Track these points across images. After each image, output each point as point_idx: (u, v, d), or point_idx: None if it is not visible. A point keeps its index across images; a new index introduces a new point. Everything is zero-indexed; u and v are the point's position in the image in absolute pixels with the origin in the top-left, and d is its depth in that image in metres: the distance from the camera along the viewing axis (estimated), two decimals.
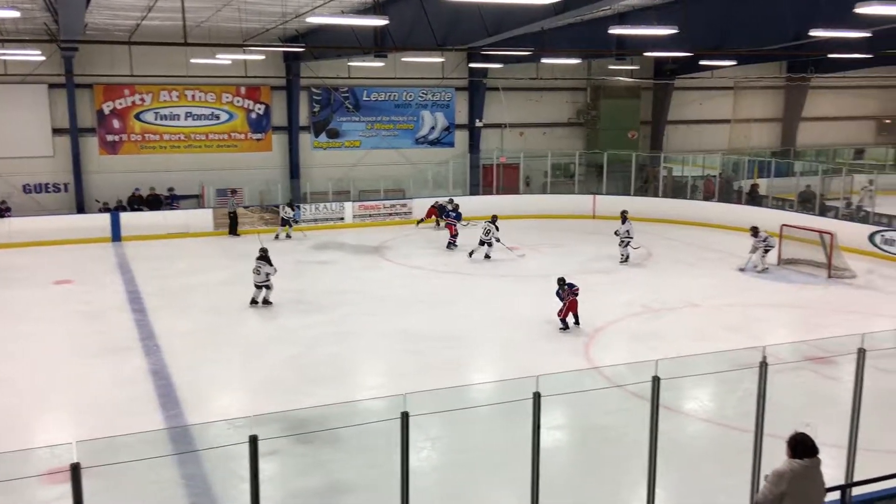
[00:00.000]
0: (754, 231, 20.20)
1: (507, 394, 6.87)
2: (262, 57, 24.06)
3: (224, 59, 23.12)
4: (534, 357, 13.61)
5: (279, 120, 27.87)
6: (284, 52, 25.99)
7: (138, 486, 8.74)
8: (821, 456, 5.79)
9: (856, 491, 6.90)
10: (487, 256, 21.33)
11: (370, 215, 27.18)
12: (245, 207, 25.92)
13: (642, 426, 6.60)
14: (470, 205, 27.84)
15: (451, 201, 25.54)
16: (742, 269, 19.94)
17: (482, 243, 21.29)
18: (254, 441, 5.52)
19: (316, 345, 14.59)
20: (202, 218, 25.39)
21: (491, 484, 9.53)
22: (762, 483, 5.99)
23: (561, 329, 15.02)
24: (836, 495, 6.66)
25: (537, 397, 6.11)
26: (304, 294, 18.08)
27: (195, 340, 14.89)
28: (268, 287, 17.06)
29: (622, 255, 20.92)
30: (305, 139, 28.34)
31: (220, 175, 26.58)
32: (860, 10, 10.73)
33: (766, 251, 20.11)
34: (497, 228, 21.18)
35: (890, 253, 21.20)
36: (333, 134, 28.75)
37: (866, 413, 7.17)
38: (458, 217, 23.43)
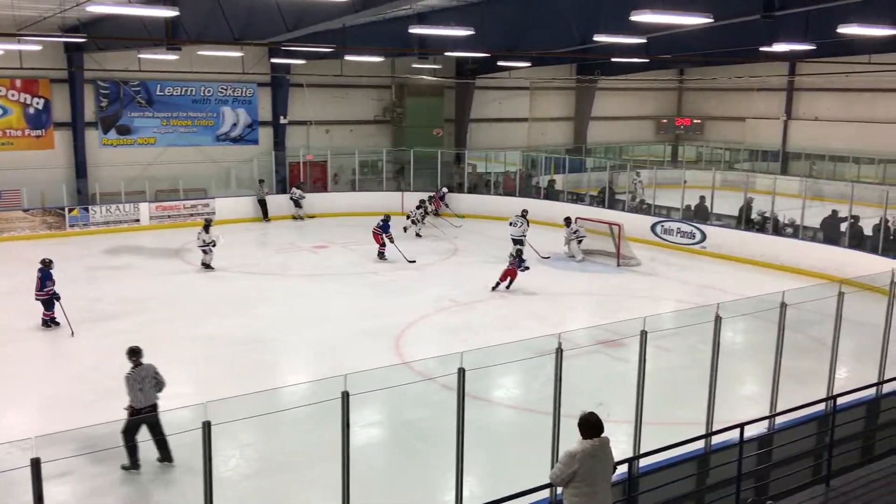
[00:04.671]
0: (567, 221, 21.45)
1: (319, 394, 6.77)
2: (40, 47, 22.08)
3: None
4: (344, 355, 13.56)
5: (62, 115, 25.72)
6: (65, 42, 24.03)
7: None
8: (613, 431, 6.20)
9: (642, 462, 7.47)
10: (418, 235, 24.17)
11: (169, 216, 25.82)
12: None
13: (452, 417, 6.75)
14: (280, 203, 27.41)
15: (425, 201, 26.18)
16: (546, 258, 21.06)
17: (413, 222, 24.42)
18: (36, 464, 5.07)
19: (111, 356, 13.56)
20: None
21: (303, 487, 9.39)
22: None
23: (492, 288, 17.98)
24: (624, 468, 7.17)
25: (345, 396, 6.08)
26: (97, 302, 16.84)
27: None
28: (205, 252, 19.68)
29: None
30: (93, 136, 26.36)
31: None
32: (635, 17, 11.64)
33: (580, 241, 21.39)
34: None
35: (669, 241, 23.24)
36: (124, 130, 26.96)
37: (651, 389, 7.77)
38: (386, 228, 21.35)
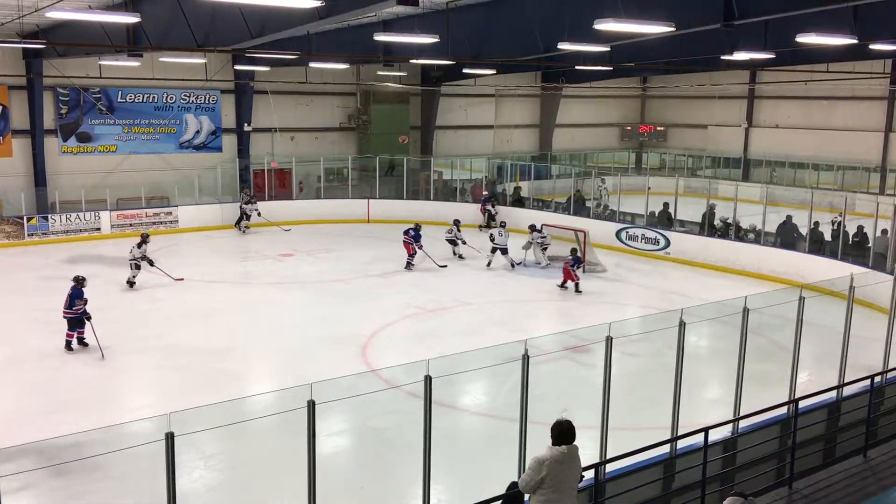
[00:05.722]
0: (531, 228, 21.59)
1: (285, 404, 6.71)
2: None
3: None
4: (310, 364, 13.45)
5: (20, 122, 25.22)
6: (24, 48, 23.59)
7: None
8: (579, 436, 6.22)
9: (609, 467, 7.50)
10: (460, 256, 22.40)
11: (131, 225, 25.43)
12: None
13: (419, 424, 6.72)
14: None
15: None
16: (515, 265, 21.11)
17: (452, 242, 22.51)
18: None
19: (70, 367, 13.36)
20: None
21: (269, 497, 9.28)
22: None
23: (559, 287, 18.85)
24: (591, 473, 7.19)
25: (311, 405, 6.02)
26: (54, 313, 16.41)
27: None
28: (137, 267, 18.20)
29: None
30: (52, 143, 25.88)
31: None
32: (598, 26, 11.77)
33: (544, 248, 21.49)
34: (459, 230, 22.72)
35: (633, 248, 23.45)
36: (85, 138, 26.51)
37: (617, 395, 7.82)
38: (418, 237, 21.12)
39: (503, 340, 12.97)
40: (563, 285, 18.90)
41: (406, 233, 21.23)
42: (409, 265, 21.00)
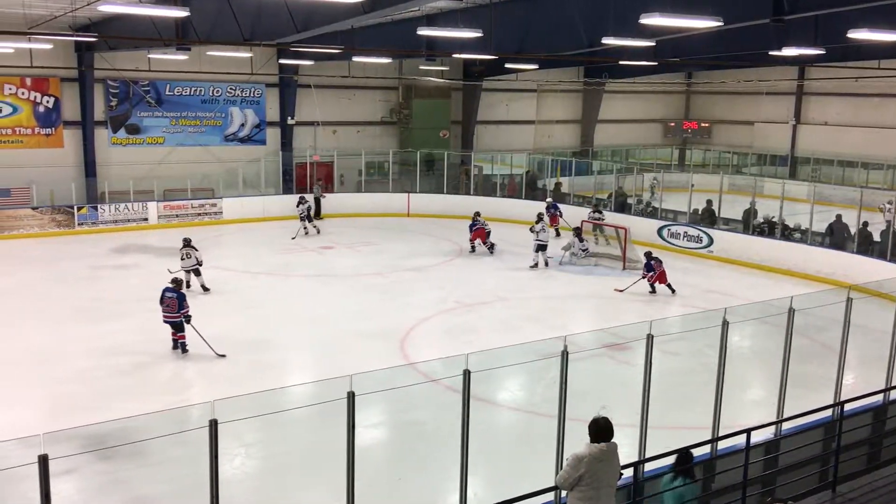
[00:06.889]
0: (576, 231, 21.81)
1: (323, 395, 6.77)
2: (50, 46, 22.18)
3: (5, 47, 21.06)
4: (349, 356, 13.54)
5: (71, 114, 25.82)
6: (76, 41, 24.12)
7: None
8: (617, 435, 6.17)
9: (648, 466, 7.43)
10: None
11: (177, 216, 25.89)
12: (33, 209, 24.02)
13: (456, 419, 6.74)
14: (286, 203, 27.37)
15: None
16: (548, 262, 21.03)
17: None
18: (44, 460, 5.09)
19: (115, 355, 13.65)
20: None
21: (308, 486, 9.40)
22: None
23: (650, 293, 18.21)
24: (629, 472, 7.14)
25: (351, 397, 6.07)
26: (100, 301, 16.85)
27: None
28: (198, 273, 17.55)
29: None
30: (102, 135, 26.46)
31: (3, 173, 24.21)
32: (644, 20, 11.62)
33: (580, 256, 21.35)
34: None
35: (675, 245, 23.15)
36: (133, 129, 27.04)
37: (657, 394, 7.75)
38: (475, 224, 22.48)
39: (541, 337, 12.94)
40: (653, 290, 18.32)
41: (482, 225, 22.35)
42: (492, 249, 22.31)
